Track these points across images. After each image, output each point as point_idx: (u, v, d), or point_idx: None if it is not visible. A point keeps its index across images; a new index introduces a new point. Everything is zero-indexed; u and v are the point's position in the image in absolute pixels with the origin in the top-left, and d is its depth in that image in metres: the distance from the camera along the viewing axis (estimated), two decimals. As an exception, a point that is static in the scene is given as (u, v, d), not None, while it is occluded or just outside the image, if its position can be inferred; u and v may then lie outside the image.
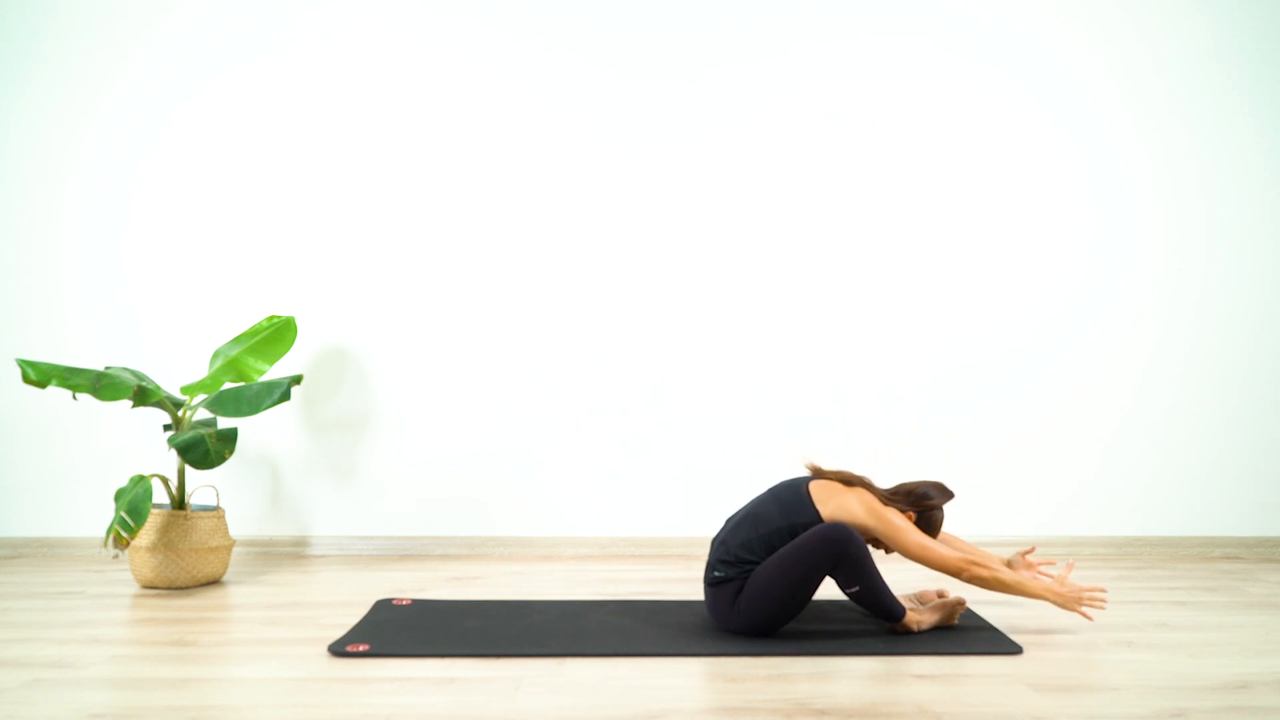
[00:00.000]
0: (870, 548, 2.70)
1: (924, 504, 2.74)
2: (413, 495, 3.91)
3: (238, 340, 3.62)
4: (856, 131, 3.97)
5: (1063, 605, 2.66)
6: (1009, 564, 2.86)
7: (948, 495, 2.77)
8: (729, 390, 3.93)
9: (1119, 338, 3.98)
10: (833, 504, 2.66)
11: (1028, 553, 2.85)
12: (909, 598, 2.88)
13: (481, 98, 3.94)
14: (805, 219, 3.96)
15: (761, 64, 3.96)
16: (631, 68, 3.95)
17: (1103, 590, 2.69)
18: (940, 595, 2.88)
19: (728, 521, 2.77)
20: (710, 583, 2.69)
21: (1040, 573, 2.81)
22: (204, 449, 3.25)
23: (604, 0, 3.95)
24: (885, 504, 2.70)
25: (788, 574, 2.56)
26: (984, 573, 2.61)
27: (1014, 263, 3.98)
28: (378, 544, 3.88)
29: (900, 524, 2.65)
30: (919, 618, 2.69)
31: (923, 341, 3.96)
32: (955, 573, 2.61)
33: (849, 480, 2.74)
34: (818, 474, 2.77)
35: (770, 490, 2.77)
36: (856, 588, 2.60)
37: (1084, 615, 2.68)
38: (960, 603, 2.75)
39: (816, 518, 2.64)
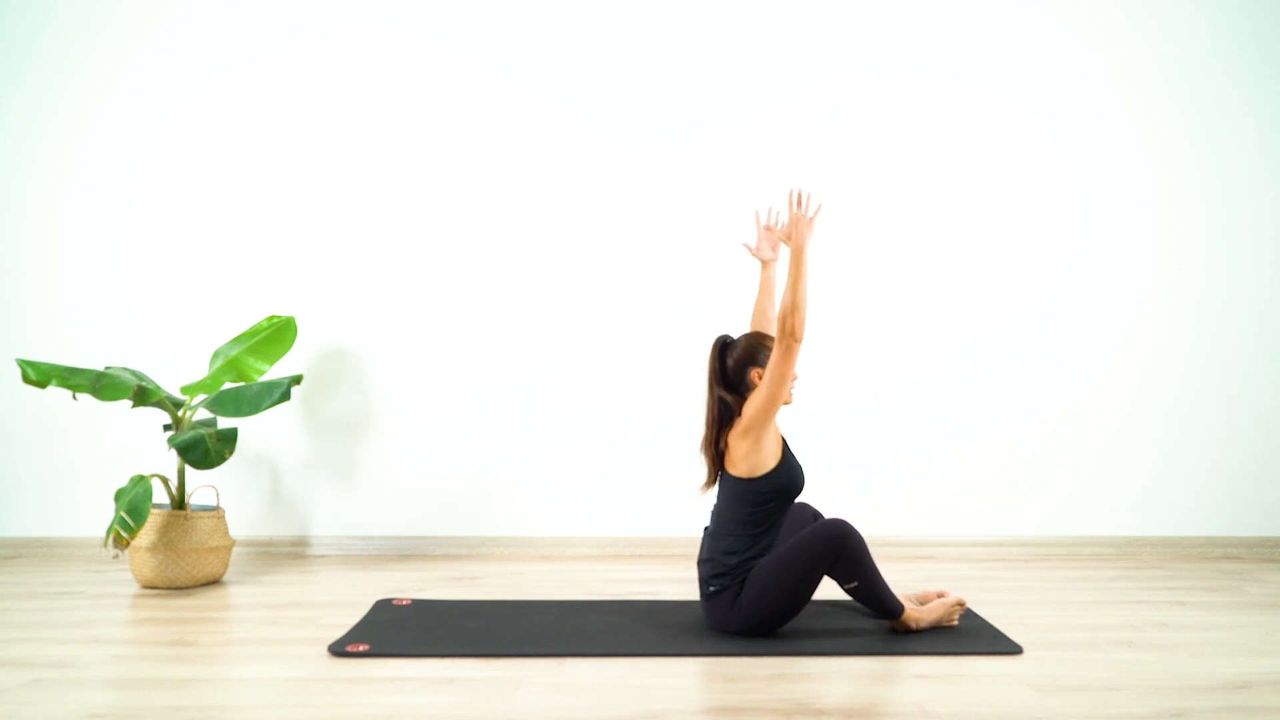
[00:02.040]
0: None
1: (749, 364, 2.67)
2: (412, 495, 3.91)
3: (238, 340, 3.62)
4: (856, 131, 3.97)
5: (804, 230, 2.56)
6: (764, 262, 2.97)
7: (721, 338, 2.75)
8: (729, 390, 3.92)
9: (1119, 338, 3.98)
10: (741, 463, 2.63)
11: (767, 232, 2.96)
12: (909, 598, 2.88)
13: (481, 98, 3.94)
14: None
15: (761, 64, 3.96)
16: (631, 68, 3.95)
17: (801, 191, 2.62)
18: (940, 595, 2.88)
19: (704, 535, 2.76)
20: (707, 597, 2.68)
21: (777, 234, 2.92)
22: (204, 449, 3.25)
23: (604, 0, 3.95)
24: (746, 404, 2.63)
25: (787, 572, 2.56)
26: (795, 318, 2.48)
27: (1014, 262, 3.98)
28: (378, 544, 3.88)
29: (754, 405, 2.59)
30: (918, 615, 2.69)
31: (922, 341, 3.96)
32: (793, 342, 2.50)
33: (719, 431, 2.71)
34: (718, 457, 2.74)
35: (718, 494, 2.76)
36: (855, 583, 2.60)
37: (811, 215, 2.59)
38: (960, 603, 2.75)
39: (744, 480, 2.63)
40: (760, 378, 2.66)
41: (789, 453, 2.71)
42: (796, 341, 2.51)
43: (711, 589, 2.65)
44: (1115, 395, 3.97)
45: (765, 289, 2.97)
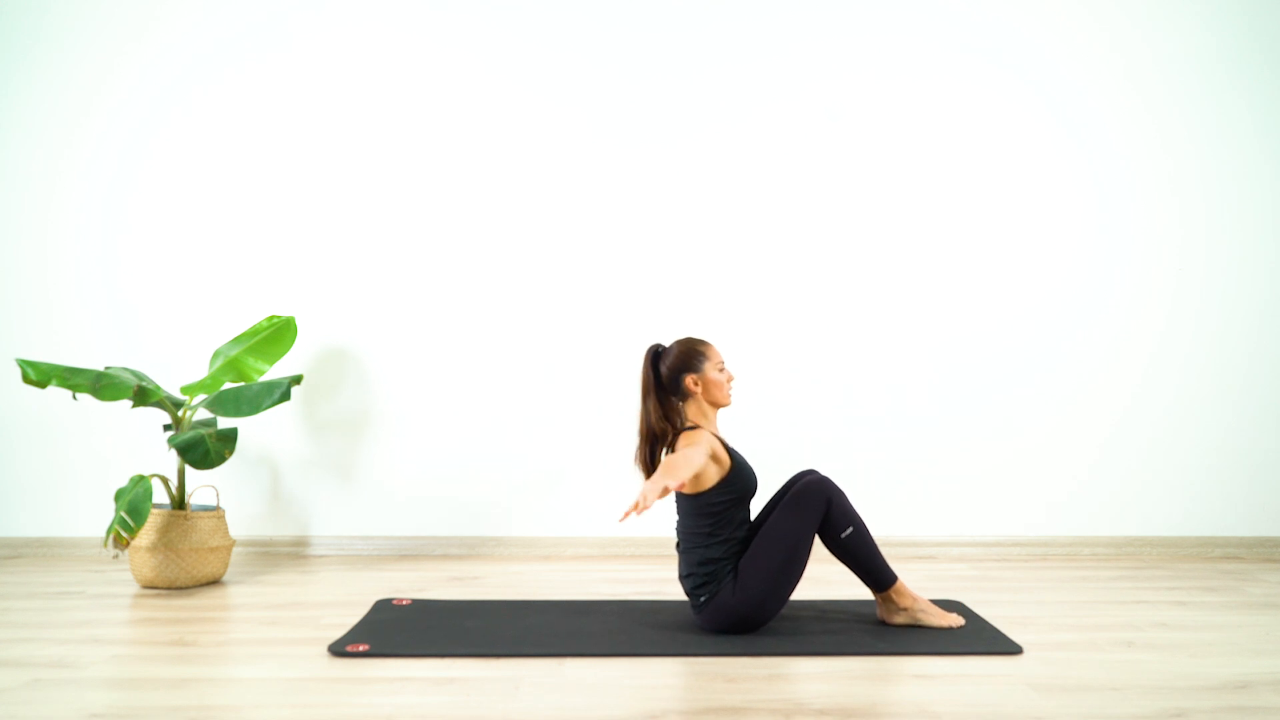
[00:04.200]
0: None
1: (683, 371, 2.67)
2: (413, 495, 3.91)
3: (238, 340, 3.62)
4: (857, 131, 3.97)
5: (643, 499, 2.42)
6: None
7: (653, 347, 2.74)
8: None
9: (1119, 337, 3.98)
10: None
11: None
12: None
13: (481, 97, 3.94)
14: (805, 219, 3.96)
15: (761, 63, 3.96)
16: (631, 67, 3.95)
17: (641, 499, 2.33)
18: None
19: (678, 552, 2.74)
20: (698, 608, 2.66)
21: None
22: (204, 449, 3.25)
23: (604, 0, 3.95)
24: (679, 444, 2.59)
25: (784, 536, 2.58)
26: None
27: (1014, 262, 3.98)
28: (378, 544, 3.88)
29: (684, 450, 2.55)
30: (912, 591, 2.70)
31: (922, 341, 3.96)
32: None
33: (653, 445, 2.71)
34: (653, 470, 2.72)
35: (677, 510, 2.75)
36: (850, 529, 2.62)
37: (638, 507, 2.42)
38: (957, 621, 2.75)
39: (695, 495, 2.63)
40: (696, 384, 2.69)
41: (737, 458, 2.69)
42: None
43: (702, 599, 2.64)
44: (1115, 395, 3.97)
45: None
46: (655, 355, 2.73)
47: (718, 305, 3.95)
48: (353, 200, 3.93)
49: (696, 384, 2.68)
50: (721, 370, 2.72)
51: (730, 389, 2.74)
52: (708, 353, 2.72)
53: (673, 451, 2.67)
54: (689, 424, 2.70)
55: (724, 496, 2.63)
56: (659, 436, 2.69)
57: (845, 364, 3.94)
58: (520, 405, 3.92)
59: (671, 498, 2.79)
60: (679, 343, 2.74)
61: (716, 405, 2.73)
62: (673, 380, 2.69)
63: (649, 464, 2.71)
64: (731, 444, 2.84)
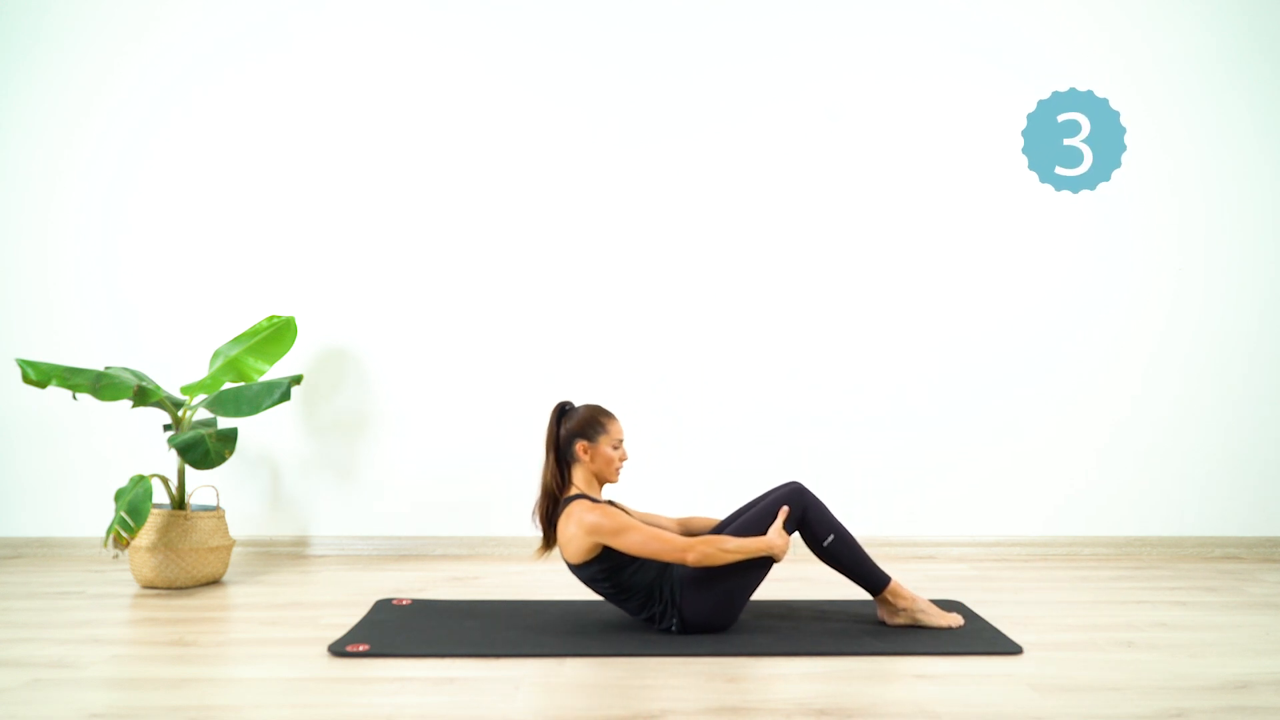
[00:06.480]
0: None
1: (577, 436, 2.66)
2: (413, 495, 3.90)
3: (238, 340, 3.62)
4: (857, 131, 3.97)
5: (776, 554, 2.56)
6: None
7: (560, 405, 2.73)
8: (729, 391, 3.92)
9: (1119, 338, 3.98)
10: (569, 545, 2.59)
11: None
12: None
13: (481, 97, 3.94)
14: (806, 220, 3.96)
15: (761, 63, 3.96)
16: (632, 67, 3.95)
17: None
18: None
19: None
20: (676, 633, 2.63)
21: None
22: (204, 449, 3.25)
23: (604, 0, 3.95)
24: (598, 532, 2.54)
25: (753, 527, 2.58)
26: (707, 560, 2.51)
27: (1014, 262, 3.98)
28: (378, 544, 3.88)
29: (625, 518, 2.54)
30: (909, 592, 2.69)
31: (923, 342, 3.96)
32: (682, 556, 2.50)
33: (553, 503, 2.67)
34: (551, 526, 2.70)
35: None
36: (831, 536, 2.63)
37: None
38: (956, 621, 2.74)
39: (580, 566, 2.62)
40: (585, 452, 2.66)
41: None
42: (687, 561, 2.51)
43: (671, 625, 2.63)
44: (1115, 395, 3.97)
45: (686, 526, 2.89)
46: (561, 412, 2.72)
47: (717, 306, 3.95)
48: (352, 201, 3.93)
49: (586, 452, 2.66)
50: (616, 448, 2.68)
51: (620, 469, 2.70)
52: (608, 426, 2.68)
53: (557, 518, 2.64)
54: (574, 491, 2.66)
55: (607, 564, 2.60)
56: (553, 496, 2.67)
57: (845, 365, 3.94)
58: (520, 405, 3.92)
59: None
60: (585, 407, 2.72)
61: (601, 480, 2.70)
62: (567, 441, 2.68)
63: (546, 519, 2.67)
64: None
